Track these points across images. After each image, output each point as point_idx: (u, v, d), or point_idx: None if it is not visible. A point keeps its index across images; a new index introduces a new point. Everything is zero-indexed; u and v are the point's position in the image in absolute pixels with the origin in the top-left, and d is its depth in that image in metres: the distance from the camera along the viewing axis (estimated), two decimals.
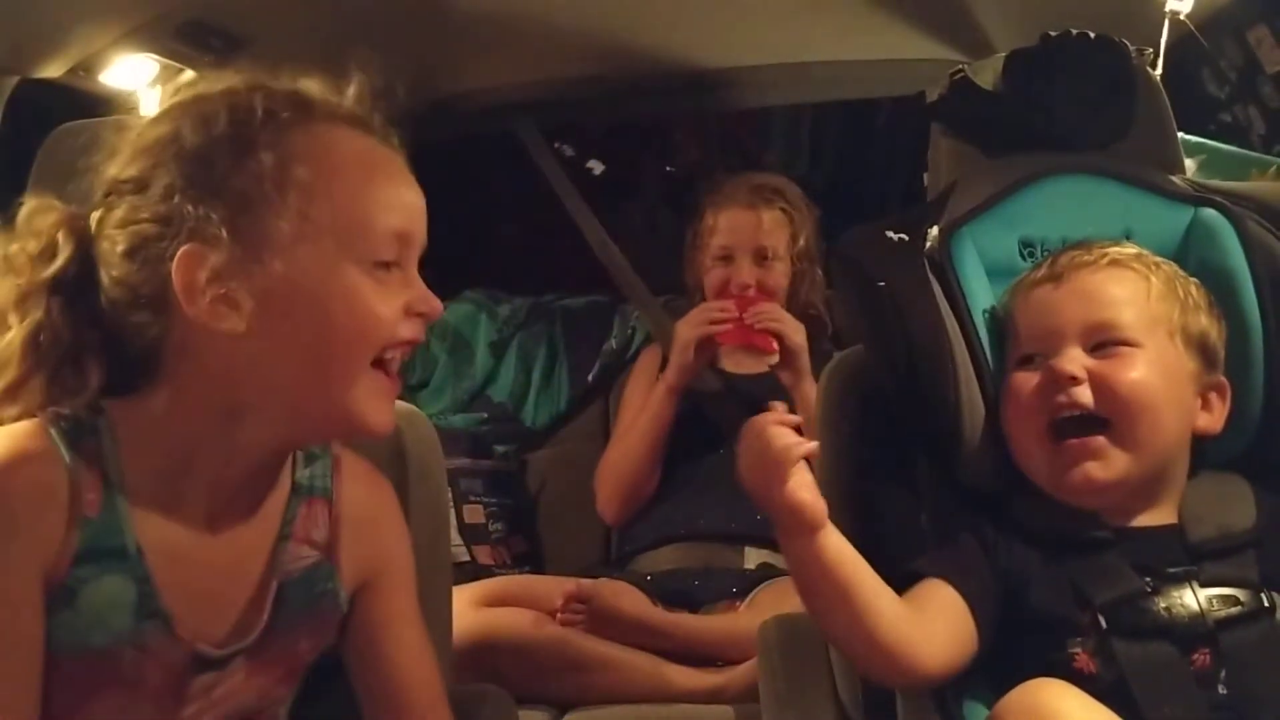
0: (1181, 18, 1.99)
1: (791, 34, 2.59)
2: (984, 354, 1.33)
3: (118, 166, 1.05)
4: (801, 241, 2.35)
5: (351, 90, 1.10)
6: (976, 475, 1.31)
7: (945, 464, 1.32)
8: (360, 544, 1.16)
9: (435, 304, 1.07)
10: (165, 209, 1.00)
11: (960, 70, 1.51)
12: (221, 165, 1.01)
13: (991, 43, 2.37)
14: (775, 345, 2.22)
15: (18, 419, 1.03)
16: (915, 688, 1.23)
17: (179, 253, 0.99)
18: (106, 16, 1.96)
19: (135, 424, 1.03)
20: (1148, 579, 1.19)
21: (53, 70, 1.94)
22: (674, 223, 2.58)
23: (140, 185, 1.02)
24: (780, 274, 2.34)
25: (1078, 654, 1.17)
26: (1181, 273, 1.32)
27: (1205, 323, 1.29)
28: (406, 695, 1.17)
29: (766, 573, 2.12)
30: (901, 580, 1.23)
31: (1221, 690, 1.14)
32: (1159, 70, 1.97)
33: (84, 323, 1.03)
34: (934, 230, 1.38)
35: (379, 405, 1.05)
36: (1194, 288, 1.31)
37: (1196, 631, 1.16)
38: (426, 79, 2.67)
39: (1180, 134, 1.95)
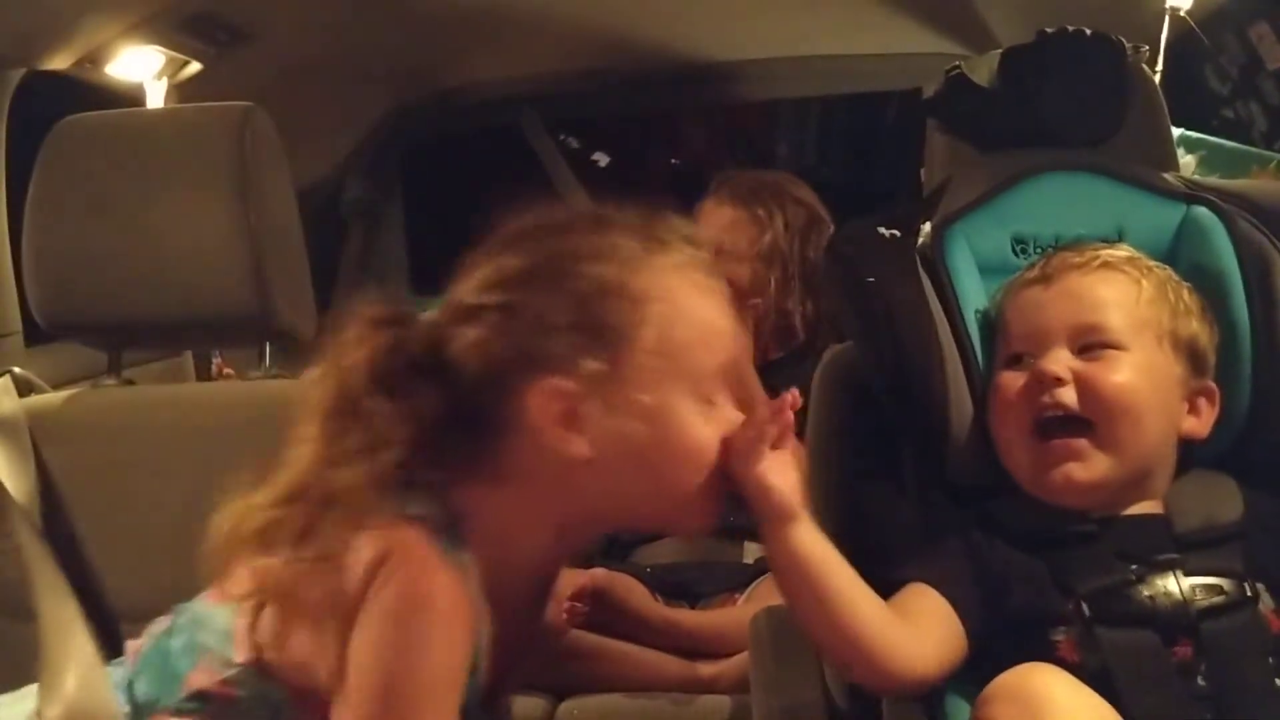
0: (1182, 14, 2.00)
1: (795, 27, 2.60)
2: (973, 351, 1.33)
3: (470, 291, 1.06)
4: (765, 244, 2.29)
5: (679, 225, 1.12)
6: (963, 472, 1.32)
7: (932, 460, 1.33)
8: None
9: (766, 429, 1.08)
10: (527, 339, 1.02)
11: (956, 67, 1.52)
12: (590, 302, 1.03)
13: (996, 38, 2.38)
14: None
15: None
16: (904, 693, 1.22)
17: (538, 383, 1.02)
18: (113, 9, 1.98)
19: (481, 530, 1.05)
20: (1133, 567, 1.19)
21: (60, 62, 1.96)
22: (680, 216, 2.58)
23: (504, 313, 1.04)
24: (736, 274, 2.25)
25: (1060, 642, 1.17)
26: (1175, 277, 1.32)
27: (1196, 328, 1.29)
28: None
29: (765, 566, 2.12)
30: (887, 587, 1.23)
31: (1201, 682, 1.14)
32: (1159, 66, 1.98)
33: (417, 422, 1.04)
34: (926, 226, 1.39)
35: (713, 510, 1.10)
36: (1186, 293, 1.31)
37: (1179, 621, 1.16)
38: (431, 71, 2.69)
39: (1181, 130, 1.96)
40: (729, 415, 1.09)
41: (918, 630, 1.19)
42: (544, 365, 1.02)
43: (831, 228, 2.37)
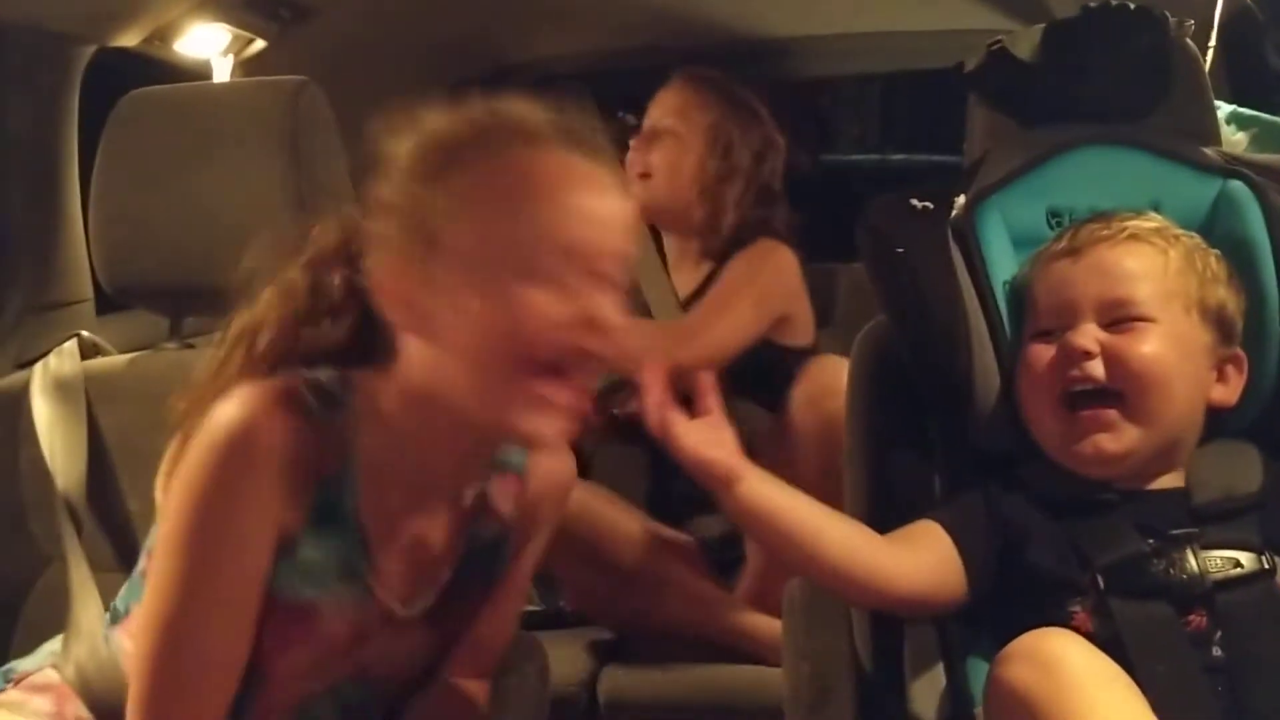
0: None
1: (852, 4, 2.60)
2: (1001, 322, 1.34)
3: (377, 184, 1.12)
4: (707, 122, 2.23)
5: (575, 117, 1.11)
6: (988, 440, 1.33)
7: (958, 429, 1.35)
8: (533, 514, 1.23)
9: (604, 314, 1.05)
10: (381, 224, 1.08)
11: (998, 41, 1.52)
12: (417, 185, 1.07)
13: (1052, 13, 2.36)
14: None
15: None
16: (897, 609, 1.28)
17: (378, 267, 1.07)
18: None
19: (372, 400, 1.10)
20: (1150, 540, 1.20)
21: (129, 39, 2.01)
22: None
23: (376, 201, 1.09)
24: (668, 151, 2.23)
25: (1076, 613, 1.19)
26: (1202, 244, 1.32)
27: (1223, 295, 1.29)
28: (491, 641, 1.25)
29: None
30: None
31: (1216, 652, 1.15)
32: (1212, 42, 1.96)
33: (329, 302, 1.12)
34: (960, 199, 1.40)
35: (541, 414, 1.06)
36: (1214, 259, 1.31)
37: (1193, 592, 1.17)
38: (489, 48, 2.72)
39: (1233, 107, 1.94)
40: (589, 301, 1.04)
41: (904, 549, 1.24)
42: (381, 247, 1.07)
43: (782, 151, 2.31)
